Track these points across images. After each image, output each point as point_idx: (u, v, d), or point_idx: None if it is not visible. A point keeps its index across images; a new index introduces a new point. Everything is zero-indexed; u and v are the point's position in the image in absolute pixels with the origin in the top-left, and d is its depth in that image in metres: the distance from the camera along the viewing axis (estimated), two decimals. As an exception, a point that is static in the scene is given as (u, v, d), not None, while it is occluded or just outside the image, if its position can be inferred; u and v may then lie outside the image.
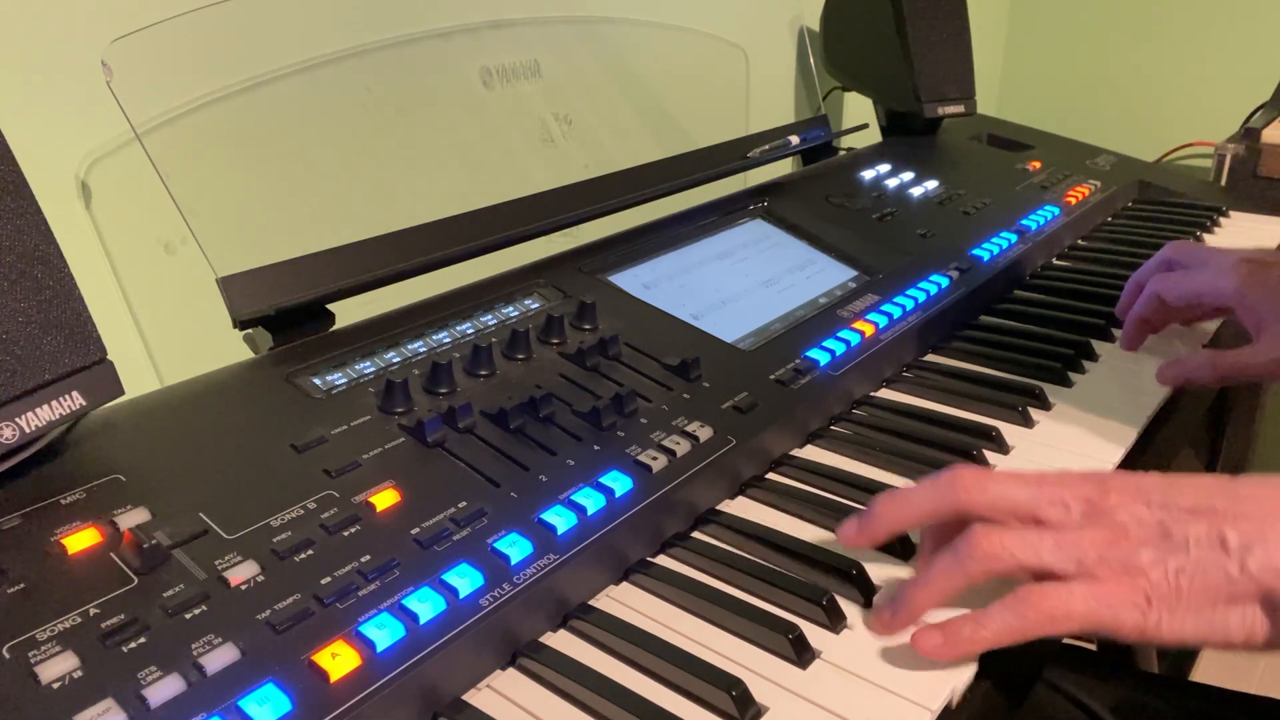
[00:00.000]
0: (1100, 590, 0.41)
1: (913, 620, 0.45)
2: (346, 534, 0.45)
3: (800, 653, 0.43)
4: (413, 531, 0.46)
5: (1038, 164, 1.13)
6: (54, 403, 0.45)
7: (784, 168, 1.17)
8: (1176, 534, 0.41)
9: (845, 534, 0.48)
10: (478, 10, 0.76)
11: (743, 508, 0.56)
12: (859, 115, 1.18)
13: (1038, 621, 0.41)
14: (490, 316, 0.65)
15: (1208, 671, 1.49)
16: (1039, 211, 0.97)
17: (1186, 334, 0.75)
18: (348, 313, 0.63)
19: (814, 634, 0.45)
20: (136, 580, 0.41)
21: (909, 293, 0.76)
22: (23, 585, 0.39)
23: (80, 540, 0.42)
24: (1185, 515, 0.41)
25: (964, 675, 0.43)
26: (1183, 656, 1.50)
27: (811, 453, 0.62)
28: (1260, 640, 0.40)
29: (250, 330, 0.60)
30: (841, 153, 1.10)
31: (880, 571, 0.49)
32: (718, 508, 0.55)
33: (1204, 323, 0.77)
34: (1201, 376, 0.65)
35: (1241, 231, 1.03)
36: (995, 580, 0.43)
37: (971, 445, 0.60)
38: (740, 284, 0.77)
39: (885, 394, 0.69)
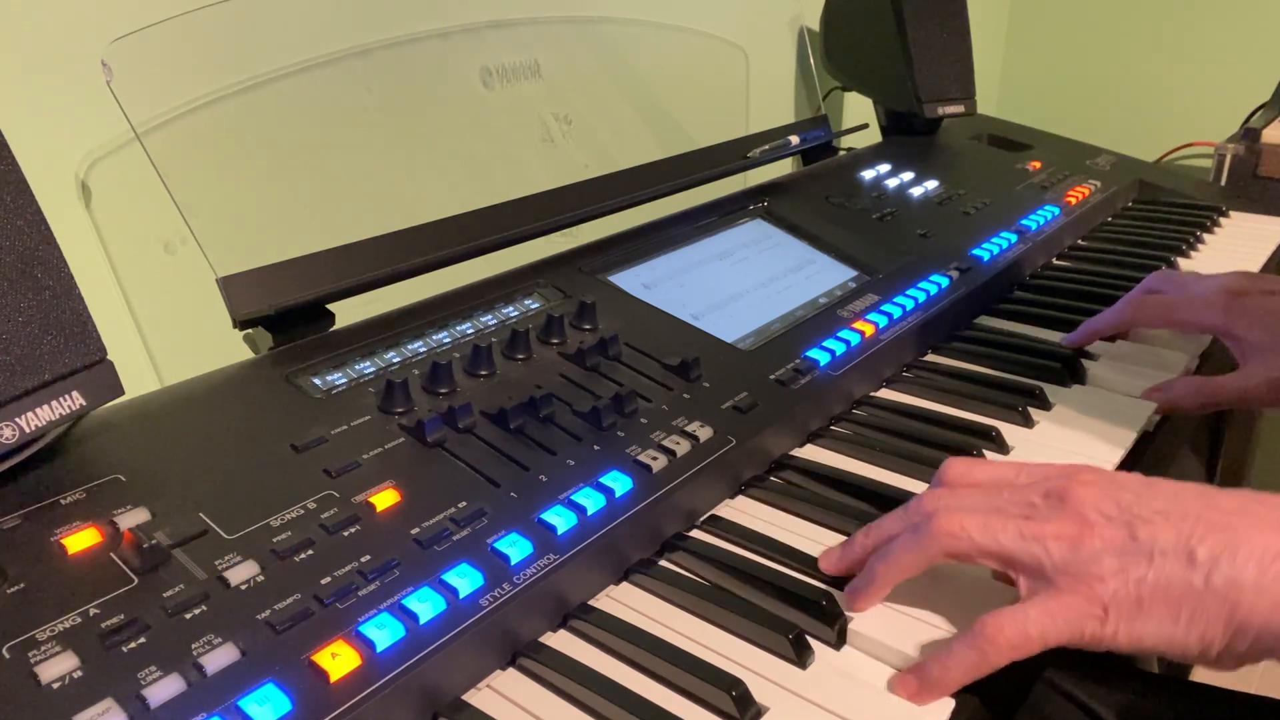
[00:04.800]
0: (1055, 605, 0.40)
1: (879, 595, 0.45)
2: (346, 534, 0.45)
3: (800, 653, 0.43)
4: (413, 531, 0.46)
5: (1038, 164, 1.13)
6: (54, 403, 0.45)
7: (784, 168, 1.17)
8: (1143, 538, 0.39)
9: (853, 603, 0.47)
10: (478, 10, 0.76)
11: (743, 508, 0.56)
12: (859, 115, 1.18)
13: (998, 652, 0.40)
14: (490, 316, 0.65)
15: (1208, 671, 1.49)
16: (1039, 211, 0.97)
17: (1180, 344, 0.75)
18: (348, 313, 0.63)
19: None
20: (136, 580, 0.41)
21: (909, 293, 0.76)
22: (23, 585, 0.39)
23: (80, 540, 0.42)
24: (1155, 517, 0.40)
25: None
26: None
27: (811, 452, 0.62)
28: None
29: (250, 330, 0.60)
30: (841, 153, 1.10)
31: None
32: (718, 508, 0.56)
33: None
34: (1188, 403, 0.65)
35: (1241, 232, 1.03)
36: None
37: (971, 445, 0.60)
38: (740, 284, 0.77)
39: (885, 394, 0.69)
